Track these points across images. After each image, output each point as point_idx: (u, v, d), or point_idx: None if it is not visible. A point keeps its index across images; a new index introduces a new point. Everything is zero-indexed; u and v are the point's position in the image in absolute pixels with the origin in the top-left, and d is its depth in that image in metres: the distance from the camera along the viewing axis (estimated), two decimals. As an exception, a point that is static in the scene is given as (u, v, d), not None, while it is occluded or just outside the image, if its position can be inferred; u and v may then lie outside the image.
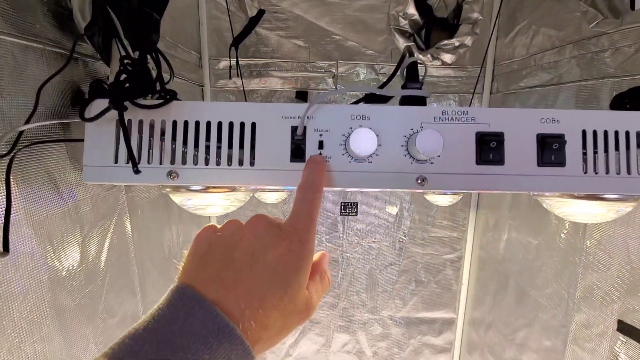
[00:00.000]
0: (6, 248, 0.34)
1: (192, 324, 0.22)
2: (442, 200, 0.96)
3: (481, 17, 1.11)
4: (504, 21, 1.12)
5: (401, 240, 1.36)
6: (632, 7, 0.72)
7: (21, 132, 0.39)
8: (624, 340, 0.70)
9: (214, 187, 0.39)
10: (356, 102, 0.40)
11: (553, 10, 0.91)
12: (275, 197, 0.96)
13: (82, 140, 0.36)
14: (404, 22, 1.14)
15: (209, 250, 0.27)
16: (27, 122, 0.40)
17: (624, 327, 0.70)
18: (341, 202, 1.32)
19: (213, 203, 0.40)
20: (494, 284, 1.21)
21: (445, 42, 1.13)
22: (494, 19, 1.11)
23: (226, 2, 1.04)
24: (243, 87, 1.14)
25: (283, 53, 1.17)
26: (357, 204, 1.32)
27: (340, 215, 1.33)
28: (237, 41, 1.08)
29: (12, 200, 0.35)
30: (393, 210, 1.35)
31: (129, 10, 0.36)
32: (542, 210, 0.94)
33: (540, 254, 0.97)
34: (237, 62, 1.07)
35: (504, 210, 1.16)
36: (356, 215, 1.33)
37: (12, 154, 0.37)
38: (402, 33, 1.15)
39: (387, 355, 1.43)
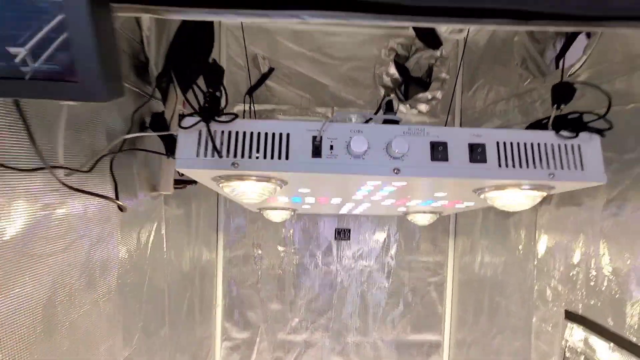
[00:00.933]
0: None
1: None
2: (421, 219, 1.13)
3: (448, 77, 1.39)
4: (467, 80, 1.40)
5: (389, 264, 1.51)
6: (557, 66, 0.98)
7: (125, 139, 0.57)
8: (571, 327, 0.84)
9: (251, 177, 0.56)
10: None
11: (500, 73, 1.19)
12: (281, 217, 1.12)
13: (154, 152, 0.54)
14: (387, 80, 1.40)
15: None
16: (128, 133, 0.58)
17: (569, 316, 0.85)
18: (335, 229, 1.48)
19: (250, 190, 0.57)
20: (473, 302, 1.34)
21: (421, 95, 1.39)
22: (458, 79, 1.39)
23: (247, 61, 1.29)
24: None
25: (288, 101, 1.41)
26: (349, 230, 1.49)
27: (335, 240, 1.49)
28: (251, 90, 1.32)
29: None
30: (381, 236, 1.51)
31: (207, 64, 0.56)
32: (506, 230, 1.13)
33: (506, 268, 1.13)
34: (252, 106, 1.30)
35: (477, 235, 1.34)
36: (349, 240, 1.49)
37: (114, 154, 0.55)
38: (386, 88, 1.41)
39: (379, 376, 1.49)
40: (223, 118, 0.52)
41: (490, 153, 0.54)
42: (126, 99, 0.65)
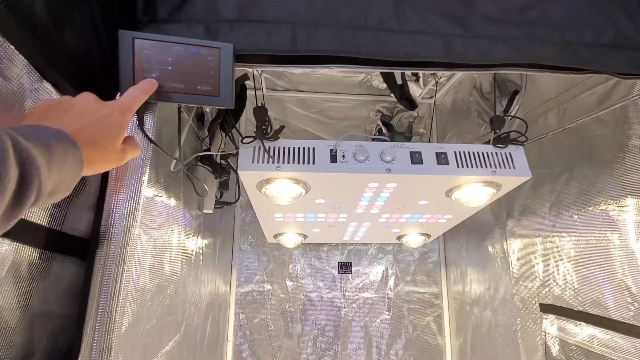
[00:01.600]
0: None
1: (46, 130, 0.34)
2: (413, 241, 1.33)
3: (425, 131, 1.72)
4: (440, 133, 1.73)
5: (389, 296, 1.64)
6: (505, 114, 1.29)
7: (200, 154, 0.81)
8: (546, 317, 1.00)
9: (284, 178, 0.79)
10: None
11: (464, 125, 1.51)
12: (293, 242, 1.31)
13: (209, 169, 0.78)
14: (376, 134, 1.72)
15: (48, 107, 0.39)
16: (206, 150, 0.82)
17: (543, 308, 1.01)
18: (338, 262, 1.65)
19: (284, 190, 0.80)
20: (469, 327, 1.46)
21: (404, 145, 1.70)
22: (433, 132, 1.71)
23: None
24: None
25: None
26: (350, 263, 1.65)
27: (338, 273, 1.64)
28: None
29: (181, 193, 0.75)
30: (380, 269, 1.67)
31: (257, 107, 0.83)
32: (485, 249, 1.32)
33: (491, 284, 1.30)
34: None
35: (463, 262, 1.52)
36: (350, 273, 1.64)
37: (188, 166, 0.78)
38: (375, 140, 1.72)
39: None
40: (271, 138, 0.77)
41: (451, 158, 0.79)
42: (189, 136, 0.91)
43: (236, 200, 1.10)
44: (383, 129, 0.92)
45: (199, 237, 1.02)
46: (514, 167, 0.79)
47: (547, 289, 1.00)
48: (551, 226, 0.98)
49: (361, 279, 1.65)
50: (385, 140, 0.88)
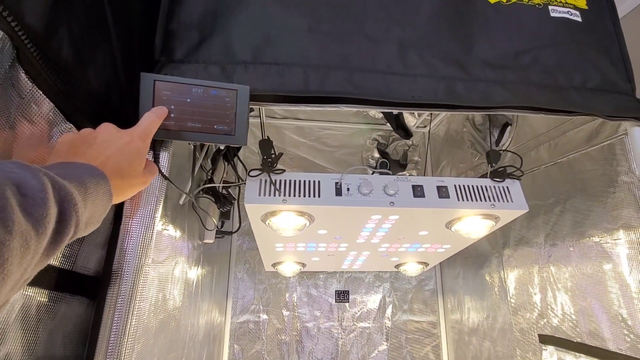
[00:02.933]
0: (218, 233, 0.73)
1: (78, 167, 0.36)
2: (411, 269, 1.33)
3: (420, 159, 1.76)
4: (434, 161, 1.77)
5: (387, 326, 1.62)
6: (497, 145, 1.34)
7: (206, 186, 0.82)
8: (545, 348, 1.00)
9: (289, 210, 0.80)
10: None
11: (458, 154, 1.56)
12: (291, 271, 1.30)
13: (213, 200, 0.79)
14: (372, 162, 1.76)
15: (72, 141, 0.40)
16: (209, 180, 0.83)
17: (542, 339, 1.02)
18: (335, 290, 1.63)
19: (289, 222, 0.81)
20: (468, 357, 1.44)
21: (400, 173, 1.73)
22: (427, 161, 1.76)
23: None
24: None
25: (292, 179, 1.70)
26: (348, 291, 1.63)
27: (336, 302, 1.62)
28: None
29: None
30: (377, 297, 1.65)
31: (263, 141, 0.85)
32: (482, 278, 1.33)
33: (489, 313, 1.30)
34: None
35: (460, 291, 1.53)
36: (348, 301, 1.62)
37: (195, 196, 0.79)
38: (371, 168, 1.75)
39: None
40: (277, 171, 0.79)
41: (452, 192, 0.81)
42: (189, 163, 0.91)
43: (237, 230, 1.10)
44: (383, 161, 0.95)
45: (199, 268, 1.00)
46: (511, 201, 0.82)
47: (545, 320, 1.01)
48: (547, 256, 1.00)
49: (358, 307, 1.63)
50: (387, 174, 0.90)
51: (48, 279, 0.43)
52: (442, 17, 0.73)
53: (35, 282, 0.41)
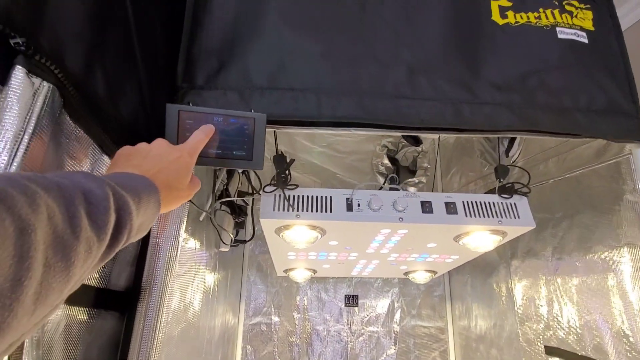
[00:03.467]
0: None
1: (134, 178, 0.39)
2: (419, 277, 1.36)
3: (429, 166, 1.78)
4: (444, 168, 1.79)
5: (395, 330, 1.65)
6: (507, 155, 1.35)
7: (223, 200, 0.86)
8: (551, 360, 1.02)
9: (302, 225, 0.84)
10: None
11: (467, 162, 1.57)
12: (302, 277, 1.34)
13: (229, 212, 0.83)
14: (382, 168, 1.78)
15: (129, 154, 0.44)
16: (225, 191, 0.88)
17: (548, 350, 1.04)
18: (345, 295, 1.67)
19: (302, 236, 0.84)
20: (475, 362, 1.47)
21: (409, 180, 1.75)
22: (437, 168, 1.78)
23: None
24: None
25: (302, 185, 1.74)
26: (357, 296, 1.67)
27: (345, 306, 1.65)
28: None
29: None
30: (386, 302, 1.69)
31: (277, 156, 0.89)
32: (490, 287, 1.35)
33: (496, 321, 1.32)
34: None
35: (468, 298, 1.55)
36: (357, 306, 1.66)
37: (213, 208, 0.83)
38: (381, 174, 1.78)
39: None
40: (290, 187, 0.82)
41: (459, 208, 0.84)
42: (209, 179, 0.96)
43: (250, 239, 1.15)
44: (392, 176, 0.98)
45: (215, 274, 1.05)
46: (518, 217, 0.84)
47: (551, 332, 1.03)
48: (554, 269, 1.02)
49: (367, 312, 1.66)
50: (397, 190, 0.93)
51: (87, 297, 0.48)
52: (450, 38, 0.76)
53: (77, 301, 0.46)
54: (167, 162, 0.45)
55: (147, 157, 0.45)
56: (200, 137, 0.54)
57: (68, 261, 0.25)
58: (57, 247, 0.25)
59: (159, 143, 0.48)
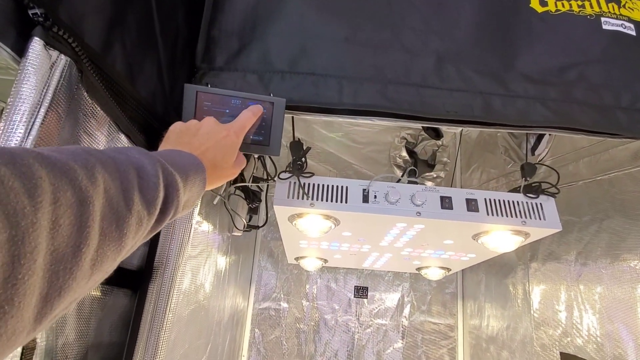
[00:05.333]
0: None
1: (183, 155, 0.40)
2: (432, 274, 1.33)
3: (449, 161, 1.73)
4: (464, 164, 1.73)
5: (403, 324, 1.64)
6: (533, 153, 1.29)
7: (238, 185, 0.86)
8: (566, 367, 0.99)
9: (316, 214, 0.82)
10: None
11: (490, 159, 1.51)
12: (313, 266, 1.34)
13: (243, 197, 0.82)
14: (399, 161, 1.74)
15: (180, 131, 0.46)
16: (253, 182, 0.87)
17: (564, 357, 1.00)
18: (355, 286, 1.66)
19: (315, 224, 0.83)
20: (484, 362, 1.44)
21: (427, 174, 1.71)
22: (457, 163, 1.72)
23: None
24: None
25: (317, 174, 1.72)
26: (367, 288, 1.66)
27: (354, 297, 1.65)
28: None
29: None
30: (396, 296, 1.67)
31: (294, 143, 0.87)
32: (505, 288, 1.31)
33: (510, 323, 1.29)
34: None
35: (481, 297, 1.51)
36: (367, 298, 1.65)
37: (229, 193, 0.82)
38: (398, 167, 1.74)
39: None
40: (306, 174, 0.81)
41: (481, 205, 0.80)
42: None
43: (264, 225, 1.14)
44: (412, 169, 0.95)
45: (226, 257, 1.06)
46: (544, 219, 0.80)
47: (569, 339, 0.99)
48: (577, 275, 0.98)
49: (376, 304, 1.65)
50: (415, 183, 0.90)
51: (101, 274, 0.48)
52: (483, 27, 0.71)
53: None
54: (215, 141, 0.46)
55: (197, 135, 0.46)
56: (248, 115, 0.53)
57: (121, 232, 0.27)
58: (112, 219, 0.26)
59: (208, 121, 0.48)
